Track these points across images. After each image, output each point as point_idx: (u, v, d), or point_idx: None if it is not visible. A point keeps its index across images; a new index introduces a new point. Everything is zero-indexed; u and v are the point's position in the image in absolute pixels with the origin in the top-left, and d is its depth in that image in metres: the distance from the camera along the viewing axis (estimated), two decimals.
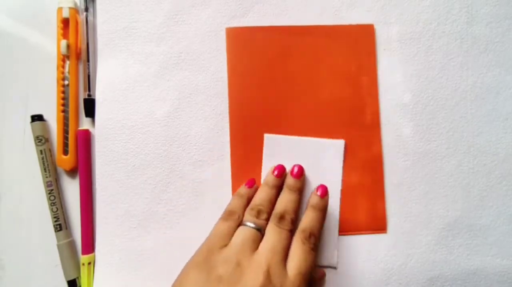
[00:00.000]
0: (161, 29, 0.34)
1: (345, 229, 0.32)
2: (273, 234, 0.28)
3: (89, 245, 0.32)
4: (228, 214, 0.29)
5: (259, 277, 0.25)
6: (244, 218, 0.29)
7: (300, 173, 0.31)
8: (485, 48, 0.34)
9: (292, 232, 0.29)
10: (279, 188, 0.31)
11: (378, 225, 0.32)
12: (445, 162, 0.33)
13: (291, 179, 0.31)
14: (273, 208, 0.30)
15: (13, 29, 0.35)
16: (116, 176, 0.33)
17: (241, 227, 0.28)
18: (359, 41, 0.34)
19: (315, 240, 0.29)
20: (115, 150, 0.33)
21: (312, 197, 0.30)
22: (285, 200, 0.30)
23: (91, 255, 0.32)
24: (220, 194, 0.32)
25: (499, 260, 0.33)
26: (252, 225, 0.28)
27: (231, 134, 0.33)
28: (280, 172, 0.31)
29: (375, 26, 0.34)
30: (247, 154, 0.33)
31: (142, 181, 0.32)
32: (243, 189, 0.31)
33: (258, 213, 0.29)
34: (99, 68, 0.33)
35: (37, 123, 0.33)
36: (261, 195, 0.30)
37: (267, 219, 0.29)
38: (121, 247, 0.32)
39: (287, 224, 0.28)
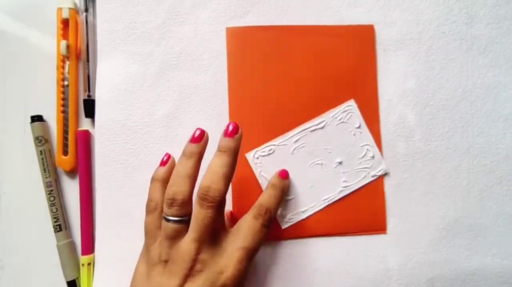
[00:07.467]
0: (161, 29, 0.34)
1: (345, 229, 0.32)
2: (196, 215, 0.25)
3: (88, 246, 0.32)
4: (147, 206, 0.28)
5: (188, 265, 0.25)
6: (164, 210, 0.26)
7: (235, 130, 0.27)
8: (485, 48, 0.34)
9: (220, 206, 0.26)
10: (200, 156, 0.27)
11: (378, 225, 0.32)
12: (445, 162, 0.33)
13: (223, 138, 0.26)
14: (194, 181, 0.26)
15: (13, 29, 0.35)
16: (116, 176, 0.33)
17: (162, 223, 0.26)
18: (359, 41, 0.34)
19: (269, 217, 0.28)
20: (115, 150, 0.33)
21: (273, 177, 0.31)
22: (213, 166, 0.26)
23: (90, 255, 0.32)
24: None
25: (499, 260, 0.33)
26: (170, 218, 0.26)
27: None
28: (200, 136, 0.27)
29: (375, 26, 0.34)
30: None
31: (142, 181, 0.32)
32: (157, 170, 0.28)
33: (173, 202, 0.25)
34: (99, 68, 0.33)
35: (37, 123, 0.33)
36: (177, 171, 0.26)
37: (187, 203, 0.26)
38: (121, 247, 0.32)
39: (211, 200, 0.25)
